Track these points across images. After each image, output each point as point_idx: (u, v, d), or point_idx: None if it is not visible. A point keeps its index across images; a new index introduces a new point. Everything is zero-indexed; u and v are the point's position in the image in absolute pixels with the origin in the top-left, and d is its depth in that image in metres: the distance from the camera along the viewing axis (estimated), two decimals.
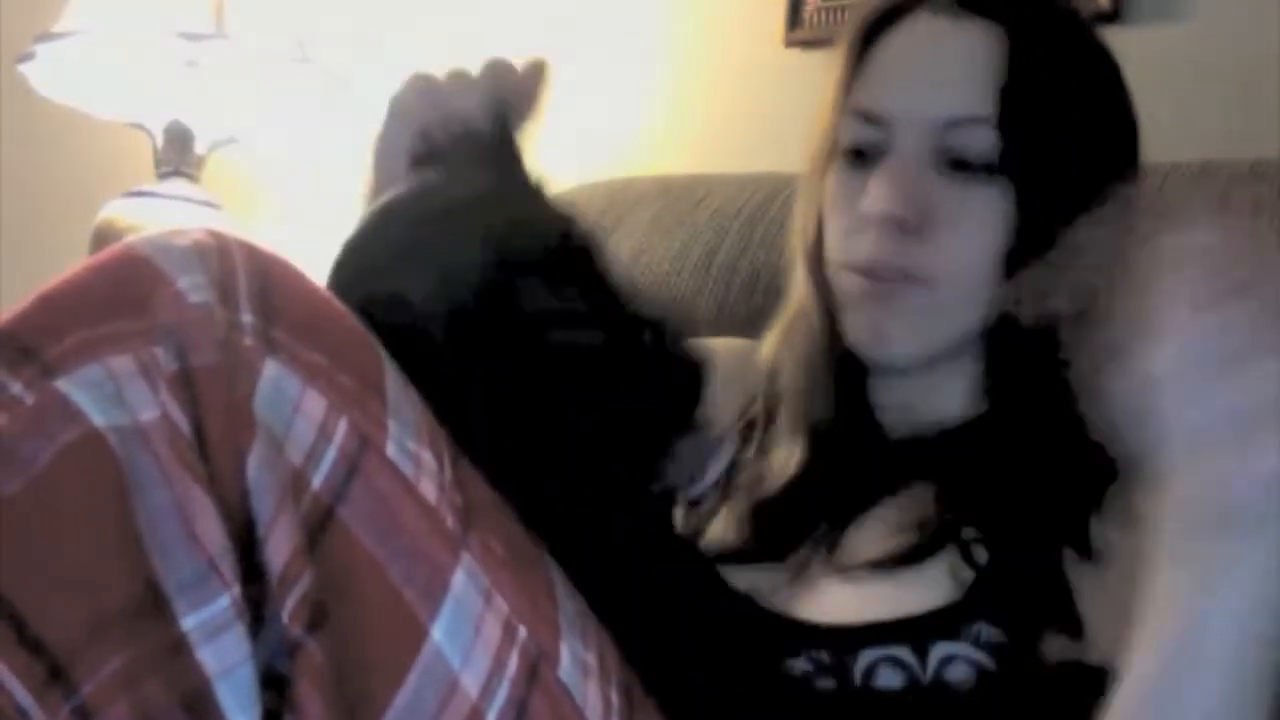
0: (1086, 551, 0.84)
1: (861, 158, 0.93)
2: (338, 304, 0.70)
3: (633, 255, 1.39)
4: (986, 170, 0.90)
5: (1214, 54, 1.42)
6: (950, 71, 0.92)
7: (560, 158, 1.80)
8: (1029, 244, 0.90)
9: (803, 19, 1.65)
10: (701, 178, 1.47)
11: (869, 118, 0.93)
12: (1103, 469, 0.87)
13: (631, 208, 1.45)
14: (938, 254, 0.90)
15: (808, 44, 1.65)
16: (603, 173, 1.59)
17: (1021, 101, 0.90)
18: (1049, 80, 0.92)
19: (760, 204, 1.37)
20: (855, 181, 0.93)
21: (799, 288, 1.00)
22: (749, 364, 1.05)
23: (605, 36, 1.81)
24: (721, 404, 0.99)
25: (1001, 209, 0.91)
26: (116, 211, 1.66)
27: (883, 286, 0.91)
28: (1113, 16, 1.46)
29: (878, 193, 0.90)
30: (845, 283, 0.94)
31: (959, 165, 0.91)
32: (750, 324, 1.24)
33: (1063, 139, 0.92)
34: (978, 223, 0.90)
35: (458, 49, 1.88)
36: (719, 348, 1.09)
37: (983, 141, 0.90)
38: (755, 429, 1.01)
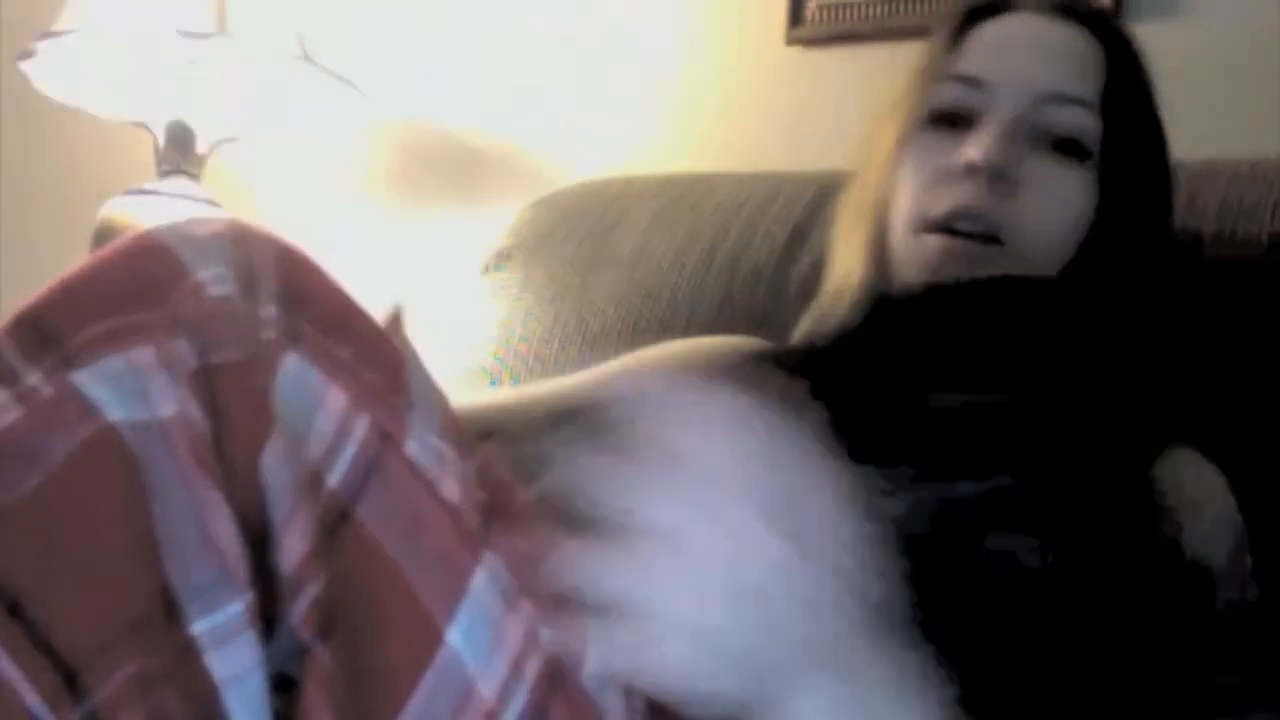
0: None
1: (952, 123, 0.97)
2: (358, 299, 0.69)
3: (634, 253, 1.39)
4: (1078, 152, 0.95)
5: (1214, 54, 1.42)
6: (1055, 53, 0.97)
7: (562, 157, 1.81)
8: (1106, 231, 0.95)
9: (804, 17, 1.65)
10: (703, 176, 1.47)
11: (969, 81, 0.97)
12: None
13: (633, 206, 1.45)
14: (1019, 216, 0.94)
15: (809, 42, 1.65)
16: (604, 171, 1.59)
17: (1123, 98, 0.96)
18: (1140, 90, 0.99)
19: (762, 202, 1.37)
20: (943, 143, 0.97)
21: (846, 270, 1.02)
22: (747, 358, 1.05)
23: (606, 35, 1.81)
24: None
25: (1083, 190, 0.95)
26: (118, 210, 1.66)
27: (965, 245, 0.94)
28: (1113, 17, 1.46)
29: (979, 142, 0.94)
30: (919, 246, 0.96)
31: (1051, 140, 0.95)
32: (752, 323, 1.24)
33: (1148, 141, 0.99)
34: (1062, 194, 0.95)
35: (458, 50, 1.89)
36: (722, 344, 1.09)
37: (1079, 122, 0.95)
38: None
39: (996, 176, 0.93)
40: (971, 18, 1.00)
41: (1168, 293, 0.98)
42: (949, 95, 0.98)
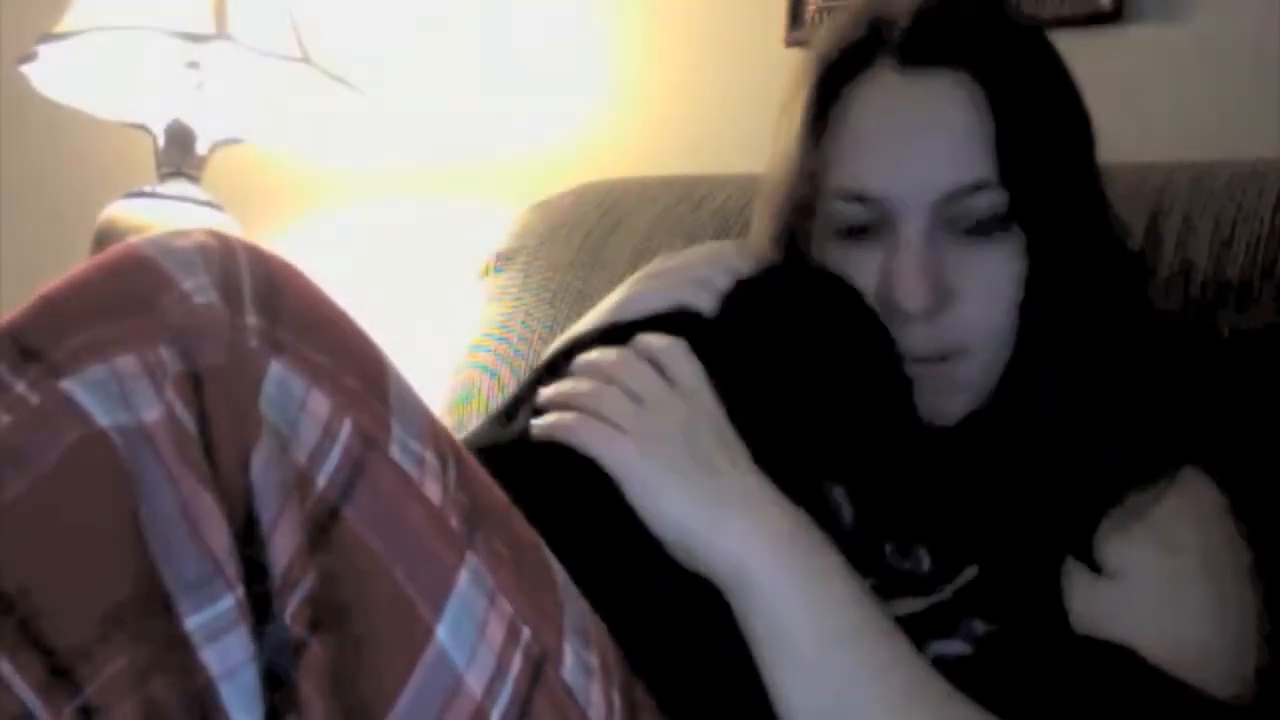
0: (1089, 560, 0.85)
1: (857, 234, 0.92)
2: (339, 305, 0.70)
3: (634, 256, 1.39)
4: (998, 227, 0.90)
5: (1214, 54, 1.42)
6: (941, 139, 0.90)
7: (562, 158, 1.81)
8: (1043, 284, 0.90)
9: (804, 19, 1.65)
10: (703, 178, 1.47)
11: (864, 198, 0.91)
12: (1107, 484, 0.89)
13: (634, 208, 1.45)
14: (965, 324, 0.90)
15: (809, 44, 1.64)
16: (604, 172, 1.59)
17: (1018, 153, 0.89)
18: (1034, 120, 0.91)
19: None
20: (859, 260, 0.92)
21: None
22: None
23: (606, 35, 1.81)
24: None
25: (1013, 260, 0.91)
26: (118, 212, 1.66)
27: (921, 373, 0.90)
28: (1113, 16, 1.46)
29: (909, 288, 0.89)
30: None
31: (969, 230, 0.90)
32: None
33: (1058, 173, 0.91)
34: (994, 282, 0.91)
35: (458, 48, 1.89)
36: None
37: (989, 202, 0.90)
38: None
39: (932, 311, 0.89)
40: (830, 86, 0.93)
41: (1110, 308, 0.94)
42: (849, 215, 0.91)
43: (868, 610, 0.79)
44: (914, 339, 0.90)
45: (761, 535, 0.79)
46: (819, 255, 0.94)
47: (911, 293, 0.89)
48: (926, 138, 0.90)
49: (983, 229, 0.90)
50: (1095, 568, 0.85)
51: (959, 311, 0.90)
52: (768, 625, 0.78)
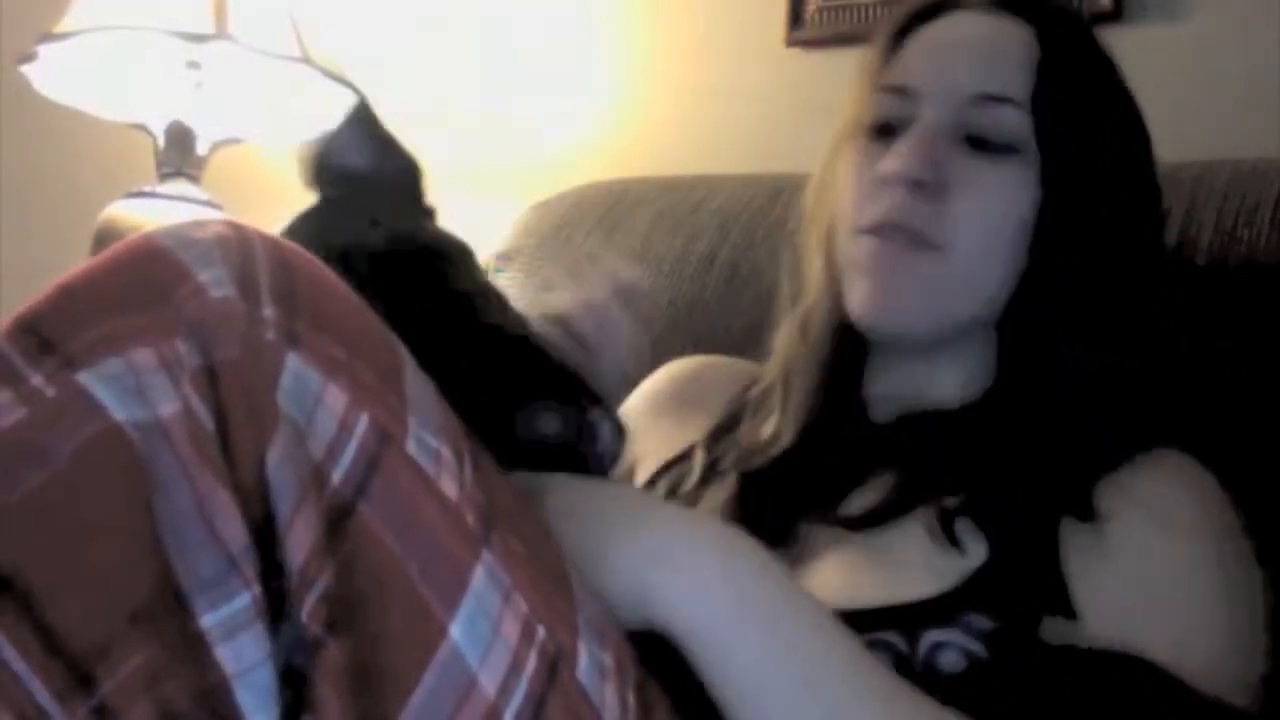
0: (1088, 515, 0.86)
1: (886, 133, 0.97)
2: (357, 298, 0.70)
3: (634, 256, 1.39)
4: (1007, 150, 0.94)
5: (1214, 54, 1.42)
6: (981, 52, 0.97)
7: (562, 158, 1.81)
8: (1050, 226, 0.92)
9: (804, 19, 1.65)
10: (703, 178, 1.47)
11: (898, 90, 0.97)
12: (1100, 452, 0.89)
13: (633, 208, 1.45)
14: (952, 220, 0.93)
15: (809, 44, 1.65)
16: (604, 173, 1.59)
17: (1054, 88, 0.95)
18: (1078, 77, 0.96)
19: (762, 205, 1.37)
20: (877, 152, 0.97)
21: (811, 273, 1.03)
22: (732, 377, 1.08)
23: (606, 35, 1.81)
24: (702, 413, 1.03)
25: (1020, 187, 0.94)
26: (118, 212, 1.66)
27: (894, 248, 0.94)
28: (1113, 16, 1.46)
29: (898, 153, 0.94)
30: (855, 249, 0.97)
31: (979, 142, 0.94)
32: (752, 324, 1.24)
33: (1089, 129, 0.96)
34: (994, 195, 0.94)
35: (458, 48, 1.89)
36: (707, 363, 1.12)
37: (1007, 121, 0.94)
38: (745, 413, 1.04)
39: (918, 184, 0.93)
40: (910, 22, 1.01)
41: (1126, 289, 0.97)
42: (882, 107, 0.98)
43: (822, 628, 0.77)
44: (891, 208, 0.94)
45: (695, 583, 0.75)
46: (848, 157, 1.00)
47: (904, 156, 0.94)
48: (970, 50, 0.97)
49: (994, 146, 0.94)
50: (1089, 517, 0.86)
51: (946, 205, 0.94)
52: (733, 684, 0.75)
